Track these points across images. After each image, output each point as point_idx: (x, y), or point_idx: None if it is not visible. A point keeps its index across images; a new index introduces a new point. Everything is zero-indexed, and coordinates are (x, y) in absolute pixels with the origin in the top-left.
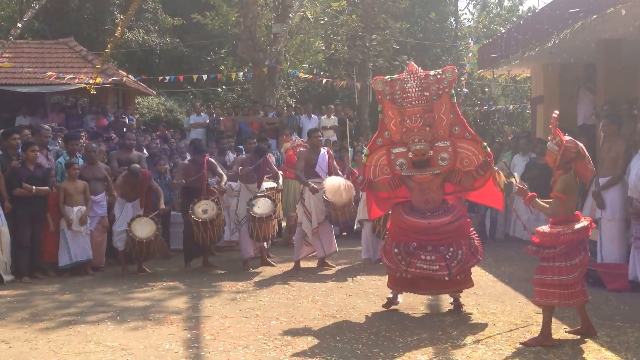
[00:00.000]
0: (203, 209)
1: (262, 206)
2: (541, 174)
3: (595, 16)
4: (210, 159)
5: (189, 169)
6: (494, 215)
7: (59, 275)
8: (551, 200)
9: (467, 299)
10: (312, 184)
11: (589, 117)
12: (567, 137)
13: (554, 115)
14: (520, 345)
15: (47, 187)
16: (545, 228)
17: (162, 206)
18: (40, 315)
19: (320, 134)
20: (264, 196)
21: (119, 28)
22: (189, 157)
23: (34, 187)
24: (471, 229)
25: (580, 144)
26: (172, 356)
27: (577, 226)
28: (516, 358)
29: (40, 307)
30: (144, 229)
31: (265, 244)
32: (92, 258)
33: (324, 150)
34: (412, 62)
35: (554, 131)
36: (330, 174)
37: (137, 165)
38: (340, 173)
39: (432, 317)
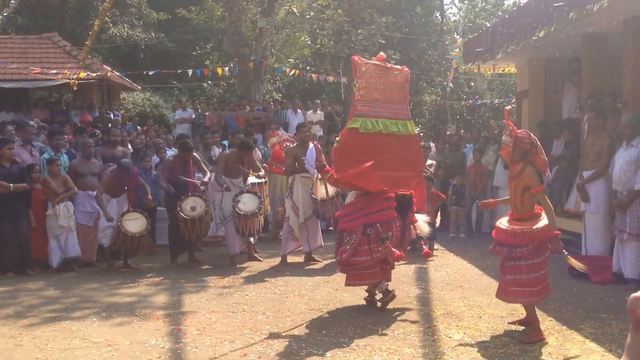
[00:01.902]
0: (191, 205)
1: (247, 202)
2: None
3: (580, 10)
4: (195, 154)
5: (175, 165)
6: (480, 210)
7: (44, 272)
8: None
9: (454, 292)
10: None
11: (574, 110)
12: (520, 130)
13: (506, 109)
14: (507, 339)
15: (25, 184)
16: (505, 224)
17: (150, 200)
18: (25, 311)
19: (308, 129)
20: (249, 192)
21: (97, 21)
22: (170, 152)
23: (11, 184)
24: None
25: (533, 136)
26: (158, 351)
27: (545, 222)
28: (501, 350)
29: (25, 304)
30: (135, 224)
31: (251, 239)
32: (80, 254)
33: (311, 145)
34: (382, 53)
35: (507, 124)
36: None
37: (128, 160)
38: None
39: (419, 310)
